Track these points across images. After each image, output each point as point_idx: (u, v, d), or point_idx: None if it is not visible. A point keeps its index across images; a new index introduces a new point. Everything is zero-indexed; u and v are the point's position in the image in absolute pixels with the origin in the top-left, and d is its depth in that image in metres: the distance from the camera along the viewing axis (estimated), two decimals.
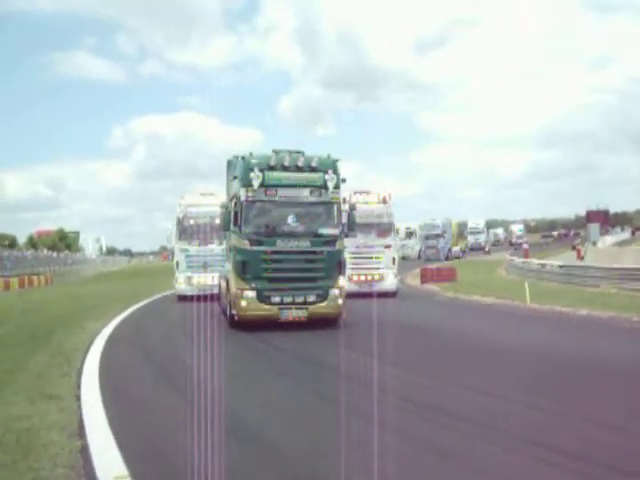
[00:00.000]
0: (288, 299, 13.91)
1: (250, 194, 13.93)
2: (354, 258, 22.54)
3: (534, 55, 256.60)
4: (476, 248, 74.49)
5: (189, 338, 12.76)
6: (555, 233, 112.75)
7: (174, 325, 16.25)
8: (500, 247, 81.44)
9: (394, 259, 23.55)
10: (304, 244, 14.04)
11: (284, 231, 14.08)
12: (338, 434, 5.59)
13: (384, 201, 23.52)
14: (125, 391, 8.34)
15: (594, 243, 47.14)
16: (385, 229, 23.43)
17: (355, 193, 23.32)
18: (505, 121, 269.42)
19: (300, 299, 13.95)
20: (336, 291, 14.29)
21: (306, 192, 14.12)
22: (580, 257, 40.76)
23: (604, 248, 44.60)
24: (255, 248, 13.90)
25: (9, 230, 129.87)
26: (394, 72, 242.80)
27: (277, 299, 13.87)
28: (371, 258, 23.07)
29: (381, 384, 7.67)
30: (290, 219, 14.15)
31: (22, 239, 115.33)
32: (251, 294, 13.83)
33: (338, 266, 14.46)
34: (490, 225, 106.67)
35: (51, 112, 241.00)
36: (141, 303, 23.45)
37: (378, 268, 23.07)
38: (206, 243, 22.81)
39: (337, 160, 14.61)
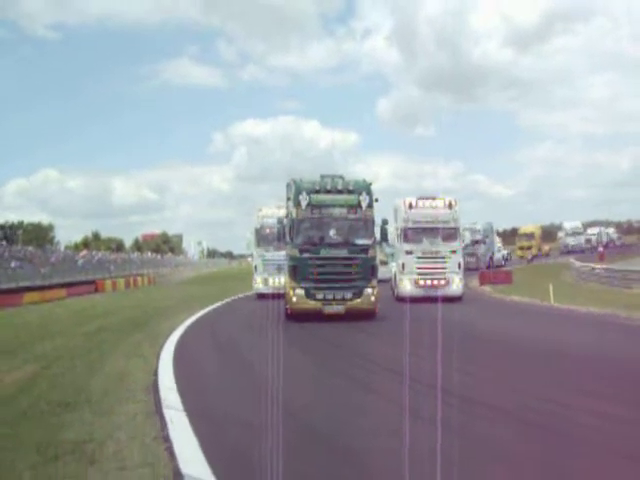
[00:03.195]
0: (330, 296, 17.29)
1: (300, 213, 17.46)
2: (420, 263, 23.54)
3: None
4: (577, 250, 68.02)
5: (250, 324, 16.71)
6: None
7: (242, 316, 20.25)
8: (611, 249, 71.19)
9: (460, 264, 23.96)
10: (342, 252, 17.41)
11: (326, 242, 17.53)
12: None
13: (450, 206, 23.98)
14: (189, 355, 12.18)
15: None
16: (451, 234, 23.84)
17: (421, 198, 24.25)
18: (612, 117, 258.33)
19: (339, 296, 17.30)
20: (369, 290, 17.51)
21: (344, 210, 17.52)
22: None
23: None
24: (304, 255, 17.40)
25: (117, 233, 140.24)
26: (494, 70, 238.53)
27: (321, 296, 17.27)
28: (437, 263, 23.59)
29: (371, 355, 11.07)
30: (331, 232, 17.62)
31: (129, 242, 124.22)
32: (300, 292, 17.31)
33: (371, 269, 17.70)
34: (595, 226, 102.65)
35: (156, 119, 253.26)
36: (225, 300, 27.54)
37: (444, 273, 23.53)
38: (280, 249, 26.00)
39: (370, 183, 17.99)
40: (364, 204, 17.55)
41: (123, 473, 5.09)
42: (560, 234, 78.84)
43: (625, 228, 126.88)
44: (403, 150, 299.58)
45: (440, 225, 23.72)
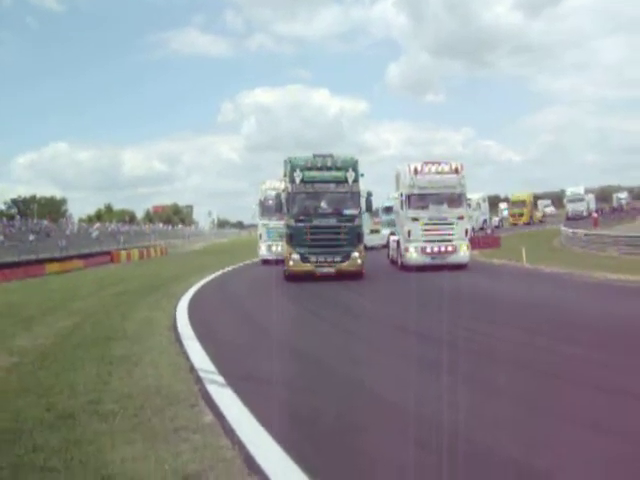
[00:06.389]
0: (321, 259, 19.92)
1: (294, 187, 20.02)
2: (427, 230, 22.65)
3: None
4: (577, 217, 65.10)
5: (253, 284, 19.45)
6: None
7: (247, 278, 22.97)
8: (622, 215, 68.92)
9: (467, 230, 23.30)
10: (332, 221, 20.01)
11: (318, 212, 20.13)
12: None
13: (456, 171, 22.97)
14: (200, 307, 14.93)
15: None
16: (457, 200, 23.02)
17: (427, 163, 23.20)
18: (625, 81, 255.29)
19: (330, 259, 19.93)
20: (356, 254, 20.09)
21: (333, 185, 20.08)
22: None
23: None
24: (298, 224, 20.03)
25: (128, 205, 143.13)
26: (505, 35, 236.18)
27: (314, 259, 19.90)
28: (444, 229, 22.81)
29: (340, 300, 13.73)
30: (322, 204, 20.19)
31: (140, 213, 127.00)
32: (296, 256, 19.96)
33: (357, 236, 20.28)
34: (608, 191, 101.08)
35: (163, 89, 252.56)
36: (233, 266, 30.20)
37: (451, 240, 22.74)
38: (282, 219, 28.32)
39: (357, 160, 20.49)
40: (350, 179, 20.08)
41: (157, 369, 7.76)
42: (565, 200, 76.43)
43: (636, 193, 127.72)
44: (413, 117, 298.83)
45: (446, 190, 22.94)
